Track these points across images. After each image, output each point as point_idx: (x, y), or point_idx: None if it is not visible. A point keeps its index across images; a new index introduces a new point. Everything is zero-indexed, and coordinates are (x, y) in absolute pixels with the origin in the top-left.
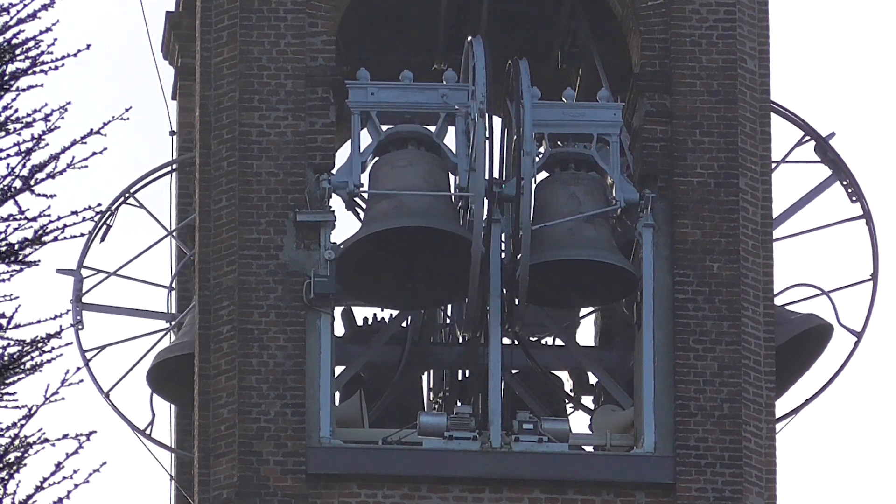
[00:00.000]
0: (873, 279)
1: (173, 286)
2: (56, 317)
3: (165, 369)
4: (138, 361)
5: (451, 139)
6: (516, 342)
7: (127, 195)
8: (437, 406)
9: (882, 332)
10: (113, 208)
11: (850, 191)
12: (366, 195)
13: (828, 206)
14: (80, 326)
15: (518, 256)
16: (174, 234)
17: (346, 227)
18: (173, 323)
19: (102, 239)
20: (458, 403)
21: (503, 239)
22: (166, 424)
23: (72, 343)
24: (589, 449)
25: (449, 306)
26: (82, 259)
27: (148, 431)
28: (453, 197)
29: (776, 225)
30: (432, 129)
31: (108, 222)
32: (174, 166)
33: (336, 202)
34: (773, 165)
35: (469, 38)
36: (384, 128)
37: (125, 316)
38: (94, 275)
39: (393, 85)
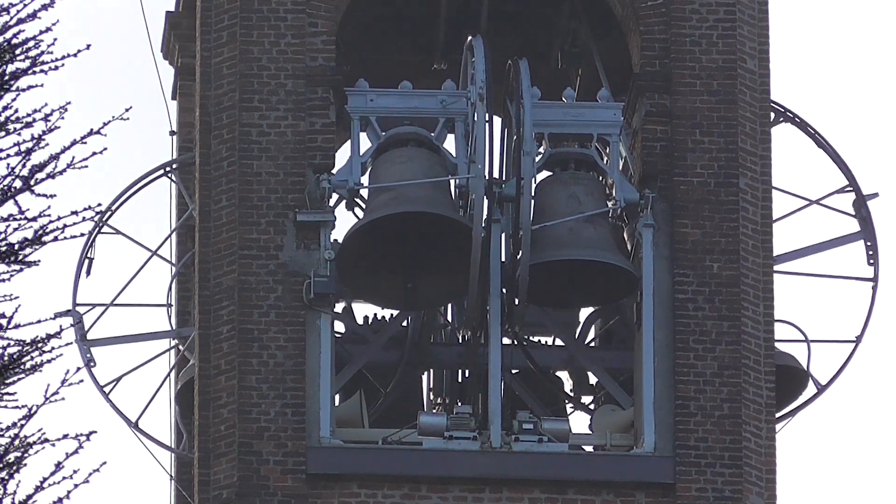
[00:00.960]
0: (857, 342)
1: (171, 303)
2: (56, 317)
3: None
4: (160, 386)
5: (450, 145)
6: (516, 342)
7: (101, 224)
8: (437, 406)
9: (882, 334)
10: (90, 240)
11: (870, 253)
12: (366, 193)
13: (840, 255)
14: (92, 364)
15: (518, 256)
16: (159, 251)
17: (346, 227)
18: (175, 342)
19: (88, 273)
20: (458, 403)
21: (503, 239)
22: (160, 419)
23: (82, 369)
24: (589, 449)
25: (449, 306)
26: (74, 297)
27: (183, 450)
28: (453, 195)
29: (788, 259)
30: (432, 134)
31: (88, 255)
32: (174, 167)
33: (336, 202)
34: (806, 203)
35: (469, 38)
36: (383, 133)
37: (132, 343)
38: (91, 309)
39: (392, 92)
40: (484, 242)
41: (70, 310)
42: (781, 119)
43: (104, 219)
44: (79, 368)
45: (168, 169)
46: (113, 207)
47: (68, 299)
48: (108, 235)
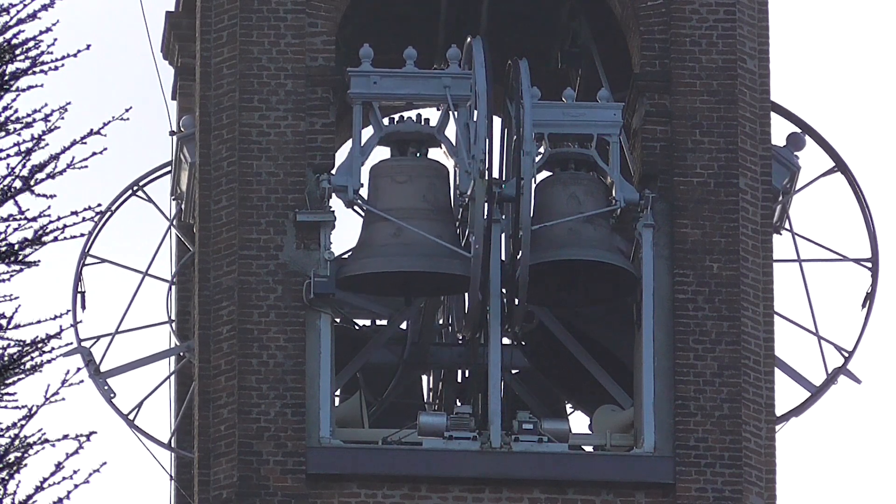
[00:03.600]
0: (849, 356)
1: (172, 318)
2: (56, 317)
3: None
4: (158, 387)
5: (451, 135)
6: (516, 342)
7: (84, 256)
8: (437, 406)
9: (881, 333)
10: (77, 275)
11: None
12: (366, 194)
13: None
14: (112, 395)
15: (518, 256)
16: (148, 272)
17: (346, 227)
18: (186, 355)
19: (84, 307)
20: (458, 403)
21: (503, 239)
22: (160, 419)
23: (82, 368)
24: (589, 449)
25: (449, 306)
26: (77, 335)
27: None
28: (452, 201)
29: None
30: (433, 119)
31: (79, 290)
32: (139, 184)
33: (336, 202)
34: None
35: (469, 39)
36: (385, 121)
37: (145, 366)
38: (97, 342)
39: (395, 73)
40: (484, 265)
41: (77, 348)
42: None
43: (86, 250)
44: (79, 369)
45: (136, 188)
46: (92, 237)
47: (69, 294)
48: (94, 266)
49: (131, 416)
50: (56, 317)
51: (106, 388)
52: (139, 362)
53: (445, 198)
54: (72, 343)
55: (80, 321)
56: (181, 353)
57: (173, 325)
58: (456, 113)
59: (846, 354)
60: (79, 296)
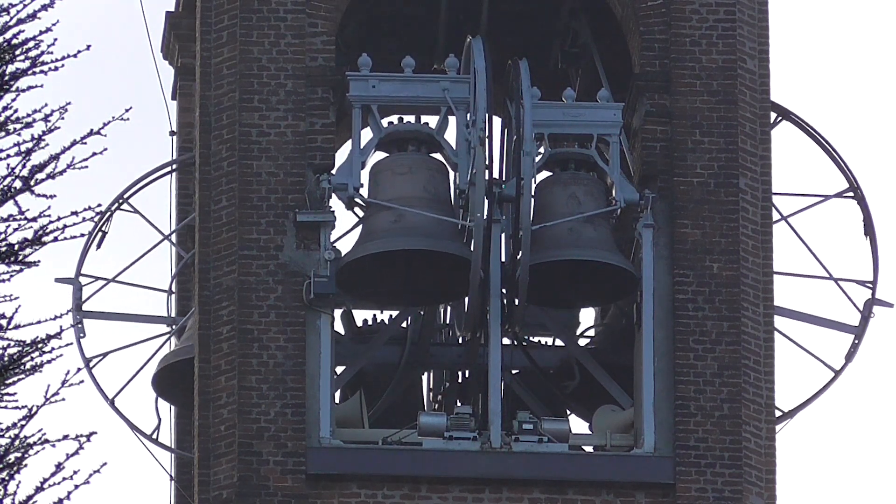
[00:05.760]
0: (874, 284)
1: (173, 290)
2: (56, 317)
3: (170, 374)
4: (143, 367)
5: (450, 137)
6: (516, 342)
7: (121, 200)
8: (437, 406)
9: (882, 333)
10: (108, 214)
11: (855, 342)
12: (366, 194)
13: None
14: (81, 335)
15: (518, 256)
16: (171, 237)
17: (346, 227)
18: (175, 327)
19: (98, 246)
20: (458, 403)
21: (503, 239)
22: (167, 425)
23: (72, 344)
24: (589, 449)
25: (449, 306)
26: (80, 267)
27: (154, 436)
28: (452, 200)
29: (786, 315)
30: (433, 122)
31: (103, 229)
32: (174, 167)
33: (336, 202)
34: (810, 203)
35: (469, 39)
36: (385, 122)
37: (126, 322)
38: (93, 282)
39: (394, 77)
40: (483, 257)
41: (73, 278)
42: (780, 118)
43: (125, 196)
44: (79, 369)
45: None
46: (137, 186)
47: (68, 307)
48: (127, 213)
49: (110, 395)
50: (56, 317)
51: (80, 325)
52: (123, 316)
53: (446, 192)
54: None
55: (87, 257)
56: (170, 327)
57: (172, 297)
58: (455, 115)
59: (870, 286)
60: (99, 233)
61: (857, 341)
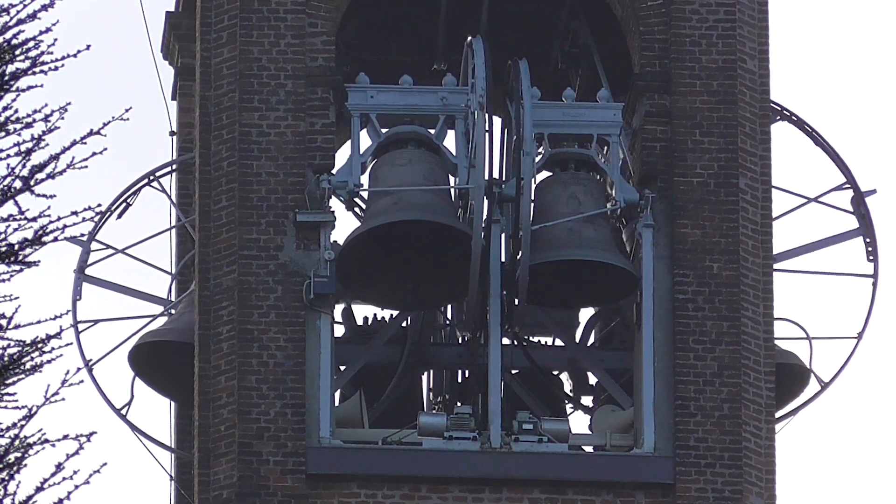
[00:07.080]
0: (858, 338)
1: (177, 275)
2: (56, 317)
3: (148, 353)
4: (125, 340)
5: (450, 142)
6: (516, 342)
7: (152, 178)
8: (437, 406)
9: (882, 331)
10: (137, 188)
11: (869, 249)
12: (366, 195)
13: (840, 252)
14: (78, 297)
15: (518, 256)
16: (189, 224)
17: (346, 227)
18: (169, 308)
19: (119, 216)
20: (458, 403)
21: (503, 239)
22: (159, 419)
23: (72, 343)
24: (589, 449)
25: (449, 306)
26: (95, 232)
27: (124, 412)
28: (453, 196)
29: (787, 258)
30: (432, 132)
31: (128, 201)
32: (173, 166)
33: (336, 202)
34: (804, 201)
35: (469, 38)
36: (384, 130)
37: (123, 295)
38: (103, 249)
39: (392, 88)
40: (483, 248)
41: (83, 240)
42: (779, 118)
43: (157, 174)
44: (79, 369)
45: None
46: (170, 167)
47: (72, 268)
48: (155, 192)
49: (93, 366)
50: (56, 317)
51: (79, 288)
52: (122, 289)
53: (445, 183)
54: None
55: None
56: (165, 308)
57: (174, 281)
58: (454, 126)
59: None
60: (123, 203)
61: (868, 240)
